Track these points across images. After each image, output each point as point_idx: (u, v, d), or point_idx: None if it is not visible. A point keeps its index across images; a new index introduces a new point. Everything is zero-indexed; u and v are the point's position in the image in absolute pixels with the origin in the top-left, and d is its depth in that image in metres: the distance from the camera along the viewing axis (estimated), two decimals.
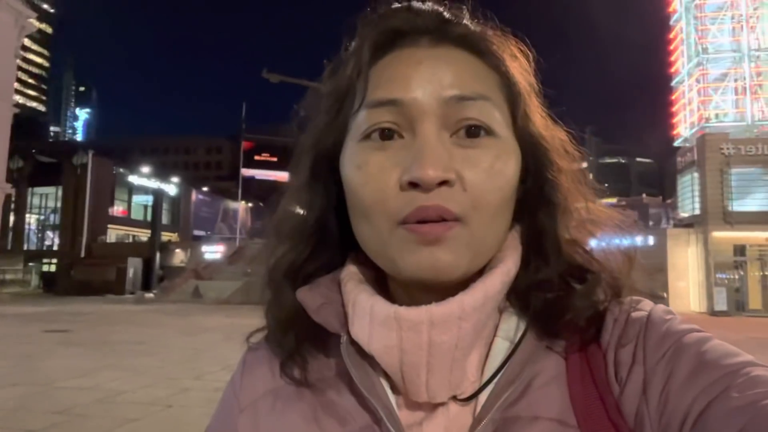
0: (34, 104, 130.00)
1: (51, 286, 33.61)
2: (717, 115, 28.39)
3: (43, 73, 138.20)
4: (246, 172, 55.45)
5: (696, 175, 24.40)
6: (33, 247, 38.73)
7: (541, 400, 0.49)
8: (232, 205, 51.43)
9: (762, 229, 21.85)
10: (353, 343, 0.52)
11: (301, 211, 0.59)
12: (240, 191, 45.91)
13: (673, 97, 31.84)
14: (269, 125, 61.48)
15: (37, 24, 28.93)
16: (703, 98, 28.29)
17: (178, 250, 36.00)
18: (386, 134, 0.50)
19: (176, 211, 44.76)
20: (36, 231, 40.10)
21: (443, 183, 0.47)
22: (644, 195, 49.89)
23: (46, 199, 39.40)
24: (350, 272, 0.56)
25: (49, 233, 39.31)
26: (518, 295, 0.53)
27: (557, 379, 0.50)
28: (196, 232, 46.30)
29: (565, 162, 0.55)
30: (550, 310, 0.51)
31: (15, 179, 29.83)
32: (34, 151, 40.51)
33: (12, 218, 37.21)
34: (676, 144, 30.98)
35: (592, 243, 0.55)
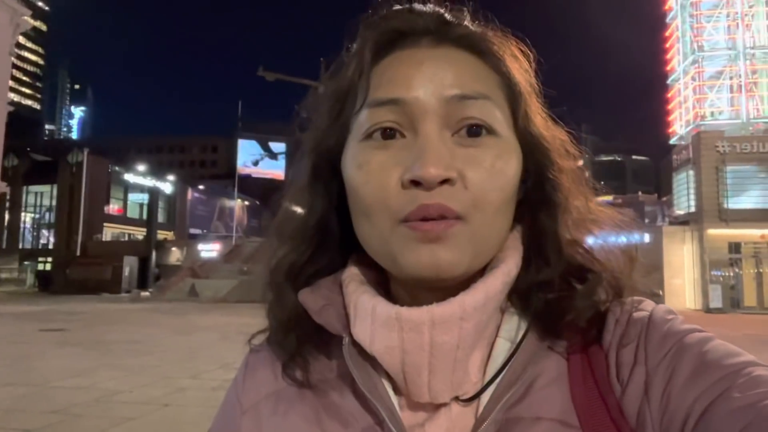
0: (29, 102, 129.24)
1: (46, 284, 33.58)
2: (712, 113, 28.53)
3: (38, 71, 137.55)
4: (242, 170, 55.43)
5: (691, 172, 24.53)
6: (28, 246, 38.68)
7: (543, 400, 0.49)
8: (229, 203, 51.30)
9: (757, 227, 21.99)
10: (355, 345, 0.52)
11: (303, 212, 0.59)
12: (236, 189, 45.81)
13: (669, 95, 31.99)
14: (266, 123, 61.43)
15: (32, 21, 28.78)
16: (699, 96, 28.40)
17: (174, 249, 35.96)
18: (388, 133, 0.50)
19: (172, 210, 44.67)
20: (31, 229, 40.00)
21: (445, 181, 0.47)
22: (640, 192, 49.92)
23: (42, 197, 39.28)
24: (352, 274, 0.56)
25: (45, 232, 39.22)
26: (520, 296, 0.53)
27: (559, 379, 0.50)
28: (192, 231, 46.19)
29: (566, 162, 0.55)
30: (551, 311, 0.51)
31: (10, 177, 29.70)
32: (29, 149, 40.25)
33: (7, 217, 37.18)
34: (671, 142, 31.14)
35: (593, 242, 0.55)
